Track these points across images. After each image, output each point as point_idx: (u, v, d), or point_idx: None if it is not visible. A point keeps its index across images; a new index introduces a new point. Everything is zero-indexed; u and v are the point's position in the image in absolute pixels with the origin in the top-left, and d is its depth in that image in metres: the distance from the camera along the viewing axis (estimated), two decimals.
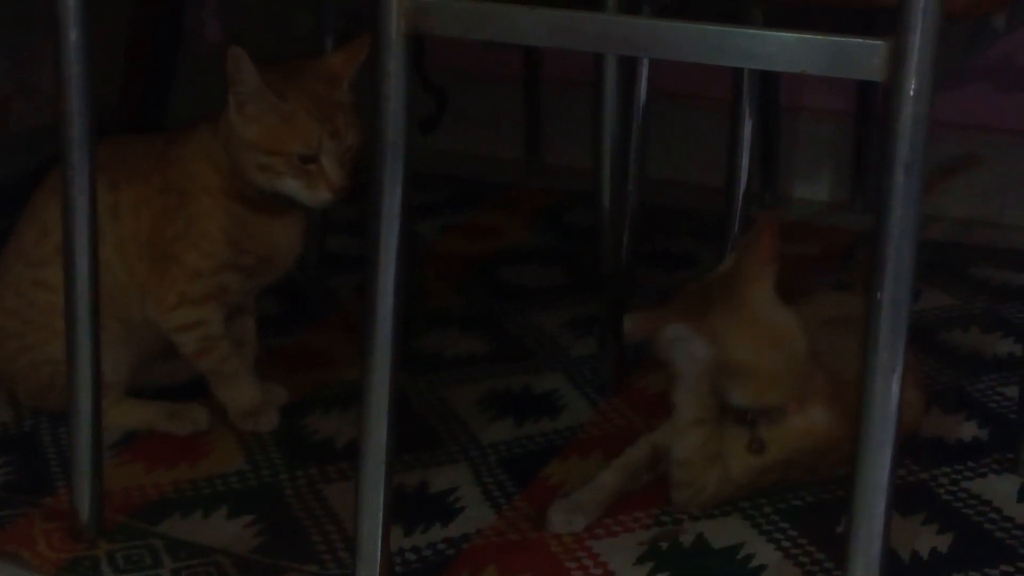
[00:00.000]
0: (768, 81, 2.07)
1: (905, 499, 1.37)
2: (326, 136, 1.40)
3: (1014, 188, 2.12)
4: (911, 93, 0.95)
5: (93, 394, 1.29)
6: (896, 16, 0.94)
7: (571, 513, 1.34)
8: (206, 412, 1.53)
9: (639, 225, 1.77)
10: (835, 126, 2.24)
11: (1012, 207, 2.12)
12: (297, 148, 1.40)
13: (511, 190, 2.33)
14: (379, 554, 1.20)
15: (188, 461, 1.47)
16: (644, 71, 1.78)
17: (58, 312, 1.31)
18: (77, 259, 1.26)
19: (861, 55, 0.97)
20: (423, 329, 1.78)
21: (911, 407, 1.45)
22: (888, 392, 1.01)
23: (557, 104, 2.37)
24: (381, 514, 1.19)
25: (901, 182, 0.97)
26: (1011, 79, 2.13)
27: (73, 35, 1.21)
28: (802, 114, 2.26)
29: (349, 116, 1.42)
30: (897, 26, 0.94)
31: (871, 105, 2.18)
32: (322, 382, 1.64)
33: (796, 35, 1.00)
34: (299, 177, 1.41)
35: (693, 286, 1.36)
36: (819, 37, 0.99)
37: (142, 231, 1.47)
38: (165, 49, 2.31)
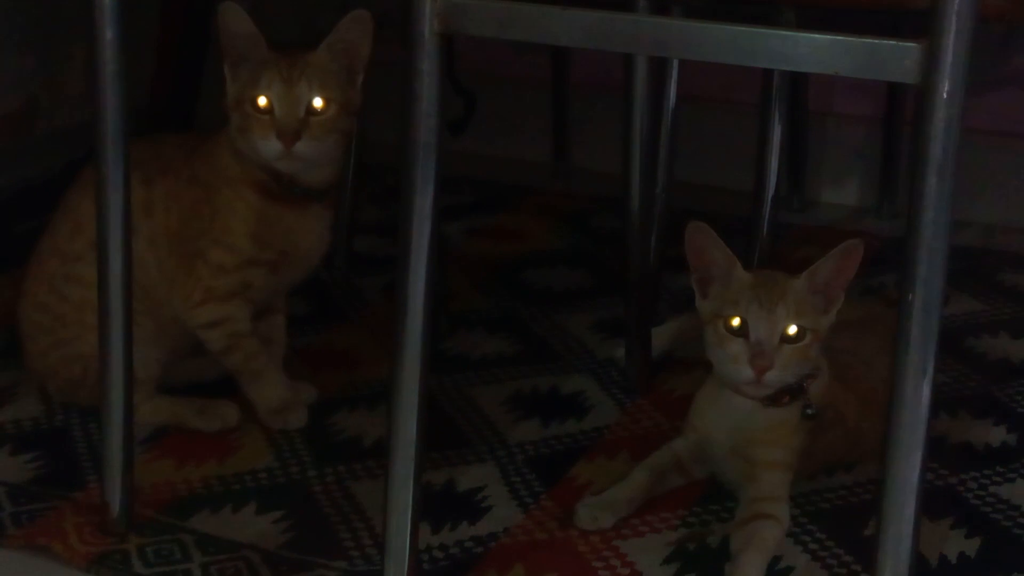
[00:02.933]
0: (797, 85, 2.07)
1: (933, 503, 1.37)
2: (277, 80, 1.41)
3: None
4: (944, 96, 0.95)
5: (125, 390, 1.30)
6: (929, 18, 0.94)
7: (599, 510, 1.35)
8: (235, 409, 1.53)
9: (667, 229, 1.78)
10: (863, 131, 2.24)
11: None
12: (251, 91, 1.41)
13: (538, 194, 2.33)
14: (407, 551, 1.20)
15: (217, 457, 1.47)
16: (674, 75, 1.78)
17: (91, 308, 1.33)
18: (111, 255, 1.27)
19: (894, 57, 0.97)
20: (449, 330, 1.79)
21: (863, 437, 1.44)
22: (919, 393, 1.01)
23: (584, 108, 2.38)
24: (410, 511, 1.19)
25: (933, 185, 0.97)
26: None
27: (109, 34, 1.22)
28: (830, 118, 2.26)
29: (315, 71, 1.42)
30: (931, 28, 0.94)
31: (900, 110, 2.17)
32: (349, 381, 1.65)
33: (828, 36, 1.00)
34: (257, 128, 1.42)
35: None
36: (851, 39, 0.99)
37: (172, 226, 1.48)
38: (195, 48, 2.32)
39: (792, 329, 1.30)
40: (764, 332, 1.29)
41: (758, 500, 1.34)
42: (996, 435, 1.53)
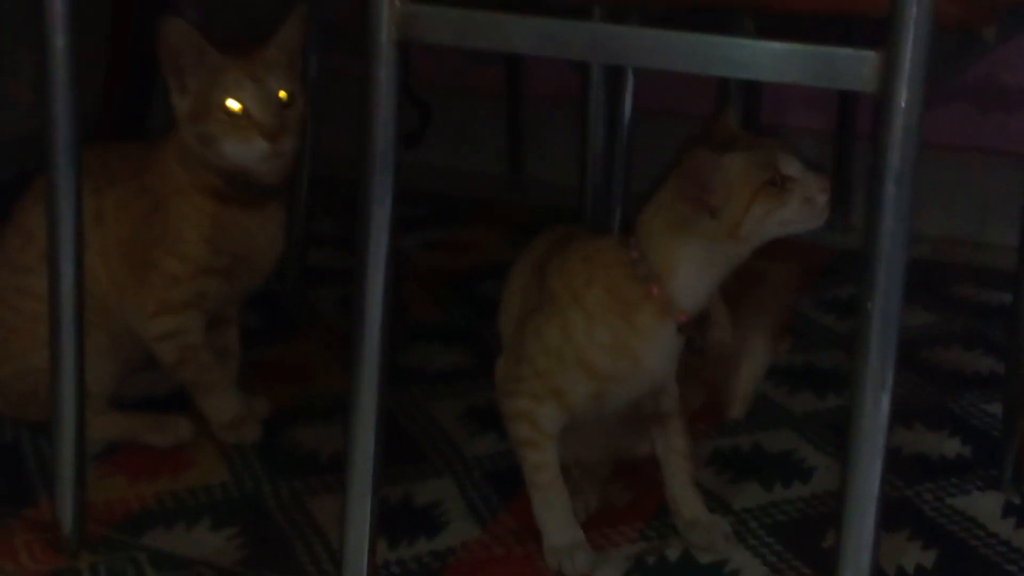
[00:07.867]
0: (750, 99, 2.07)
1: (890, 515, 1.37)
2: (246, 78, 1.40)
3: (995, 208, 2.13)
4: (902, 104, 0.95)
5: (77, 404, 1.28)
6: (888, 26, 0.95)
7: (586, 551, 1.30)
8: (189, 424, 1.51)
9: None
10: (816, 144, 2.24)
11: (993, 226, 2.14)
12: (220, 95, 1.40)
13: (493, 206, 2.32)
14: (364, 566, 1.19)
15: (171, 473, 1.45)
16: (629, 86, 1.78)
17: (42, 320, 1.30)
18: (62, 266, 1.25)
19: (852, 66, 0.97)
20: (405, 344, 1.78)
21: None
22: (878, 403, 1.01)
23: (539, 120, 2.37)
24: (367, 526, 1.18)
25: (892, 193, 0.97)
26: (993, 99, 2.14)
27: (60, 41, 1.20)
28: (783, 132, 2.26)
29: (273, 66, 1.42)
30: (889, 36, 0.95)
31: (851, 123, 2.19)
32: (304, 395, 1.63)
33: (786, 45, 1.00)
34: (233, 133, 1.40)
35: None
36: (809, 47, 0.99)
37: (123, 237, 1.46)
38: (146, 57, 2.30)
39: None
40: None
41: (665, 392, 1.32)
42: (951, 447, 1.54)
